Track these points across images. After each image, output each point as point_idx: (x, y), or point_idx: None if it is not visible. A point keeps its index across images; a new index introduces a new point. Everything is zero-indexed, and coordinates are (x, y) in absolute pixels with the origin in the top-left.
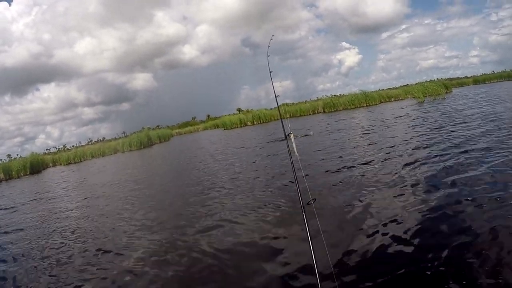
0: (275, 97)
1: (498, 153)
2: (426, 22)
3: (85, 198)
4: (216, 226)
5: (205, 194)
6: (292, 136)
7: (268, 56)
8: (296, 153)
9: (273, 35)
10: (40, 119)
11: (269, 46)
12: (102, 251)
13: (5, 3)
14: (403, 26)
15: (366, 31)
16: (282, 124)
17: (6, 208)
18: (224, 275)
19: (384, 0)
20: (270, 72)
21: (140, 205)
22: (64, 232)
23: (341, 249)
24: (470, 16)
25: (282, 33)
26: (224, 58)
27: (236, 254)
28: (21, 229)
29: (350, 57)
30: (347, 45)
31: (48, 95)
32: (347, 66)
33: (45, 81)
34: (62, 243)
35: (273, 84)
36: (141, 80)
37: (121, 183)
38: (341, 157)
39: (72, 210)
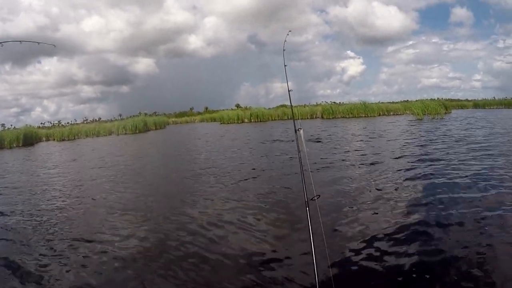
0: (288, 91)
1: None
2: (433, 40)
3: (71, 180)
4: (216, 222)
5: (195, 183)
6: (302, 131)
7: (284, 50)
8: (306, 148)
9: (290, 31)
10: (38, 92)
11: (285, 41)
12: (79, 240)
13: None
14: (410, 42)
15: (373, 43)
16: (293, 117)
17: None
18: (222, 268)
19: (394, 14)
20: (285, 66)
21: (128, 192)
22: (42, 214)
23: (340, 248)
24: (477, 40)
25: (289, 34)
26: (228, 52)
27: (234, 250)
28: None
29: (353, 66)
30: (352, 54)
31: (49, 68)
32: (349, 75)
33: (48, 54)
34: (36, 226)
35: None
36: (143, 64)
37: (111, 167)
38: (344, 160)
39: (53, 190)
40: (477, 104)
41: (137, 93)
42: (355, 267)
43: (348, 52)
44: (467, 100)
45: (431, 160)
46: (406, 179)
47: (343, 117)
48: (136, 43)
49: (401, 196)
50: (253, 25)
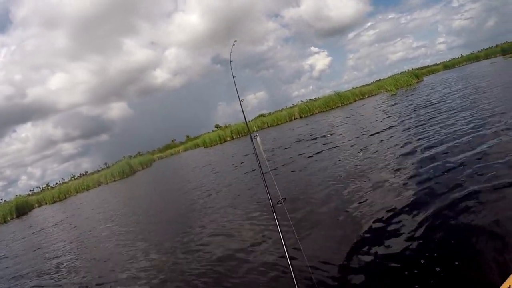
0: (240, 101)
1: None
2: (390, 17)
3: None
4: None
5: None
6: (258, 138)
7: (231, 61)
8: (263, 154)
9: (235, 40)
10: (21, 161)
11: (231, 52)
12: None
13: None
14: (368, 24)
15: (333, 34)
16: (248, 127)
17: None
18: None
19: (346, 2)
20: (233, 77)
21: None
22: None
23: (315, 245)
24: (431, 6)
25: (251, 46)
26: (196, 78)
27: (211, 260)
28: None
29: (320, 60)
30: (316, 49)
31: (26, 135)
32: (318, 70)
33: (21, 121)
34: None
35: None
36: (116, 109)
37: (105, 219)
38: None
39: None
40: (447, 66)
41: (117, 138)
42: (333, 264)
43: (312, 48)
44: (436, 64)
45: (408, 138)
46: (387, 163)
47: (321, 111)
48: (105, 90)
49: (382, 181)
50: (214, 47)
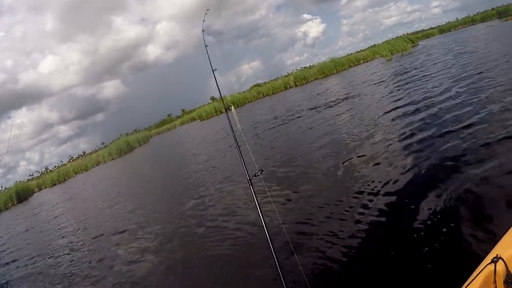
0: (212, 70)
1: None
2: None
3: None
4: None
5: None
6: (233, 108)
7: (203, 31)
8: (239, 126)
9: (208, 10)
10: (18, 146)
11: (204, 21)
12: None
13: None
14: None
15: (325, 0)
16: (221, 97)
17: None
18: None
19: None
20: (206, 46)
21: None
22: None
23: (293, 215)
24: None
25: (242, 16)
26: (189, 51)
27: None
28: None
29: (313, 28)
30: (309, 16)
31: (22, 120)
32: (312, 37)
33: (15, 107)
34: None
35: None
36: (111, 87)
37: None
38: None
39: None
40: (442, 30)
41: (113, 116)
42: (313, 237)
43: (305, 15)
44: (431, 28)
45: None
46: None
47: (316, 79)
48: (98, 69)
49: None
50: (205, 18)
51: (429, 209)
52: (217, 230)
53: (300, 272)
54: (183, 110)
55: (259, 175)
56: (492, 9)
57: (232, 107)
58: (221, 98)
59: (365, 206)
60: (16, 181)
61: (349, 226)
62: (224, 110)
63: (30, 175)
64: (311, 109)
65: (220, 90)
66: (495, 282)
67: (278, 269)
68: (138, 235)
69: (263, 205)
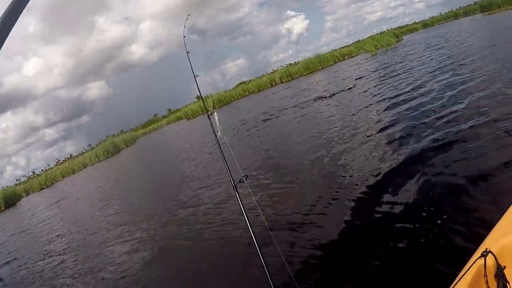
0: (194, 76)
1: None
2: None
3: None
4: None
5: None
6: (215, 113)
7: (184, 37)
8: (219, 133)
9: (189, 15)
10: (4, 151)
11: (184, 27)
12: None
13: None
14: None
15: None
16: (205, 106)
17: None
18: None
19: None
20: (187, 52)
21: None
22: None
23: (279, 220)
24: None
25: (226, 14)
26: (173, 50)
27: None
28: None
29: (297, 24)
30: (292, 13)
31: (6, 124)
32: (296, 34)
33: (0, 111)
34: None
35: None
36: (95, 89)
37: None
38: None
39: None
40: (426, 24)
41: (98, 118)
42: (300, 239)
43: (288, 12)
44: (415, 23)
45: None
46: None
47: (302, 75)
48: (82, 70)
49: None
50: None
51: (416, 203)
52: (203, 233)
53: (288, 273)
54: (169, 110)
55: (244, 181)
56: (475, 3)
57: (215, 113)
58: (205, 106)
59: (351, 206)
60: (3, 187)
61: (335, 224)
62: (208, 117)
63: (17, 180)
64: (295, 106)
65: (202, 95)
66: (486, 276)
67: (265, 268)
68: (124, 237)
69: (248, 210)
